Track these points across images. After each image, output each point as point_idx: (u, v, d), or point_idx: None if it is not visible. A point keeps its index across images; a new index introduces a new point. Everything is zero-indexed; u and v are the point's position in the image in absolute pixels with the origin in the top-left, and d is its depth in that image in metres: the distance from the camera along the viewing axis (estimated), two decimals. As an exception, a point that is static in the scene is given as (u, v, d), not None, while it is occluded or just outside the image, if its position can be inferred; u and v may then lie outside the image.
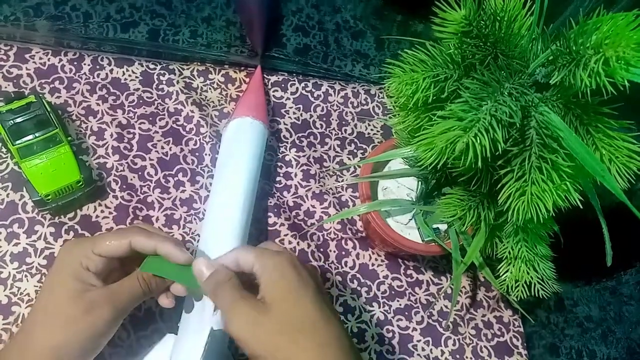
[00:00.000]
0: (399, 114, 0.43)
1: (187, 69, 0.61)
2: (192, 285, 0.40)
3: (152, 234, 0.40)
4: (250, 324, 0.35)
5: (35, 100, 0.49)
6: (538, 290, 0.42)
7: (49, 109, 0.49)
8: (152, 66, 0.59)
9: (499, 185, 0.35)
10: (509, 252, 0.43)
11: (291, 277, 0.37)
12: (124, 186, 0.53)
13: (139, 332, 0.46)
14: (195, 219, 0.53)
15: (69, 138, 0.51)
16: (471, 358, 0.54)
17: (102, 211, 0.51)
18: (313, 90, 0.64)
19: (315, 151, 0.60)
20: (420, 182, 0.50)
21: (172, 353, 0.41)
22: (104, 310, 0.37)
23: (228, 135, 0.54)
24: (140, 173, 0.54)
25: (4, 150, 0.51)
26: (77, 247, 0.39)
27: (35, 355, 0.35)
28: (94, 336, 0.37)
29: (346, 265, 0.55)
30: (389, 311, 0.54)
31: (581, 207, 0.33)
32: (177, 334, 0.43)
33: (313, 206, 0.57)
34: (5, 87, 0.54)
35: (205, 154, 0.56)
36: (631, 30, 0.26)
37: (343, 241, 0.56)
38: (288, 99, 0.63)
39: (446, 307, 0.56)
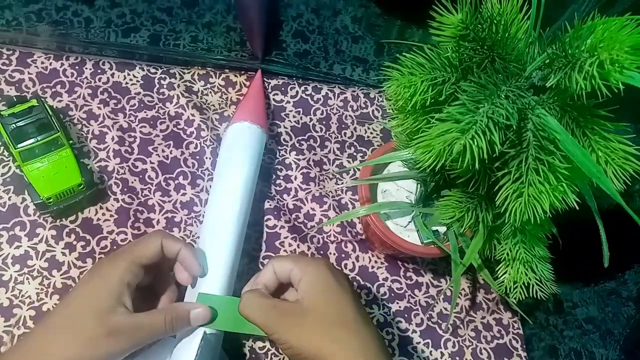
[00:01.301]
0: (397, 117, 0.44)
1: (188, 72, 0.61)
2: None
3: (177, 238, 0.43)
4: (290, 327, 0.37)
5: (37, 104, 0.49)
6: (536, 292, 0.42)
7: (50, 113, 0.50)
8: (153, 70, 0.60)
9: (496, 187, 0.35)
10: (507, 254, 0.43)
11: (330, 280, 0.39)
12: (125, 189, 0.53)
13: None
14: (195, 221, 0.54)
15: (71, 141, 0.51)
16: (471, 360, 0.54)
17: (103, 214, 0.51)
18: (313, 93, 0.64)
19: (315, 154, 0.61)
20: (419, 185, 0.50)
21: (172, 355, 0.42)
22: (123, 339, 0.37)
23: (227, 139, 0.54)
24: (141, 176, 0.54)
25: (6, 153, 0.51)
26: (116, 263, 0.39)
27: None
28: (107, 359, 0.37)
29: (346, 268, 0.55)
30: (388, 313, 0.54)
31: (578, 208, 0.34)
32: (175, 337, 0.44)
33: (313, 209, 0.58)
34: (8, 91, 0.54)
35: (206, 157, 0.57)
36: (625, 33, 0.26)
37: (343, 244, 0.57)
38: (288, 102, 0.63)
39: (446, 309, 0.56)
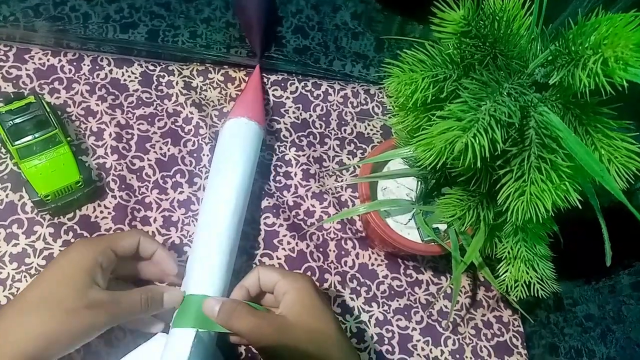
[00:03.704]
0: (398, 114, 0.43)
1: (187, 68, 0.61)
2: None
3: (154, 240, 0.44)
4: (276, 339, 0.38)
5: (34, 101, 0.49)
6: (537, 290, 0.42)
7: (48, 110, 0.49)
8: (151, 67, 0.59)
9: (498, 185, 0.35)
10: (509, 252, 0.43)
11: (315, 296, 0.41)
12: (123, 186, 0.53)
13: (135, 331, 0.46)
14: (192, 221, 0.53)
15: (69, 138, 0.51)
16: (471, 358, 0.54)
17: (101, 212, 0.51)
18: (312, 89, 0.64)
19: (314, 151, 0.60)
20: (419, 182, 0.50)
21: (162, 353, 0.41)
22: (102, 312, 0.37)
23: (223, 135, 0.53)
24: (138, 174, 0.54)
25: (3, 150, 0.51)
26: (93, 244, 0.40)
27: (25, 339, 0.34)
28: (86, 333, 0.37)
29: (346, 265, 0.55)
30: (388, 311, 0.54)
31: (580, 207, 0.33)
32: (168, 333, 0.43)
33: (313, 206, 0.57)
34: (5, 88, 0.54)
35: (204, 155, 0.56)
36: (629, 30, 0.26)
37: (343, 241, 0.56)
38: (287, 98, 0.63)
39: (446, 307, 0.56)
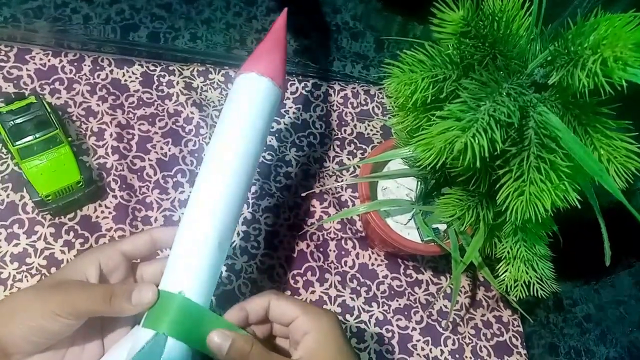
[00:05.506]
0: (398, 114, 0.43)
1: (187, 69, 0.61)
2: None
3: (168, 228, 0.39)
4: None
5: (35, 101, 0.49)
6: (537, 290, 0.42)
7: (49, 110, 0.49)
8: (152, 67, 0.59)
9: (497, 185, 0.35)
10: (508, 252, 0.43)
11: (342, 343, 0.35)
12: (124, 186, 0.53)
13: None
14: (195, 219, 0.53)
15: (69, 139, 0.51)
16: (471, 358, 0.54)
17: (102, 212, 0.51)
18: (313, 90, 0.64)
19: (315, 151, 0.60)
20: (419, 182, 0.50)
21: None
22: (65, 292, 0.34)
23: (230, 95, 0.42)
24: (139, 174, 0.54)
25: (4, 151, 0.51)
26: (98, 247, 0.39)
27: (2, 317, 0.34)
28: (51, 316, 0.33)
29: (346, 265, 0.55)
30: (388, 311, 0.54)
31: (580, 207, 0.33)
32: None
33: (313, 206, 0.57)
34: (6, 88, 0.54)
35: (205, 155, 0.56)
36: (628, 30, 0.26)
37: (343, 241, 0.56)
38: (288, 98, 0.63)
39: (445, 306, 0.56)
